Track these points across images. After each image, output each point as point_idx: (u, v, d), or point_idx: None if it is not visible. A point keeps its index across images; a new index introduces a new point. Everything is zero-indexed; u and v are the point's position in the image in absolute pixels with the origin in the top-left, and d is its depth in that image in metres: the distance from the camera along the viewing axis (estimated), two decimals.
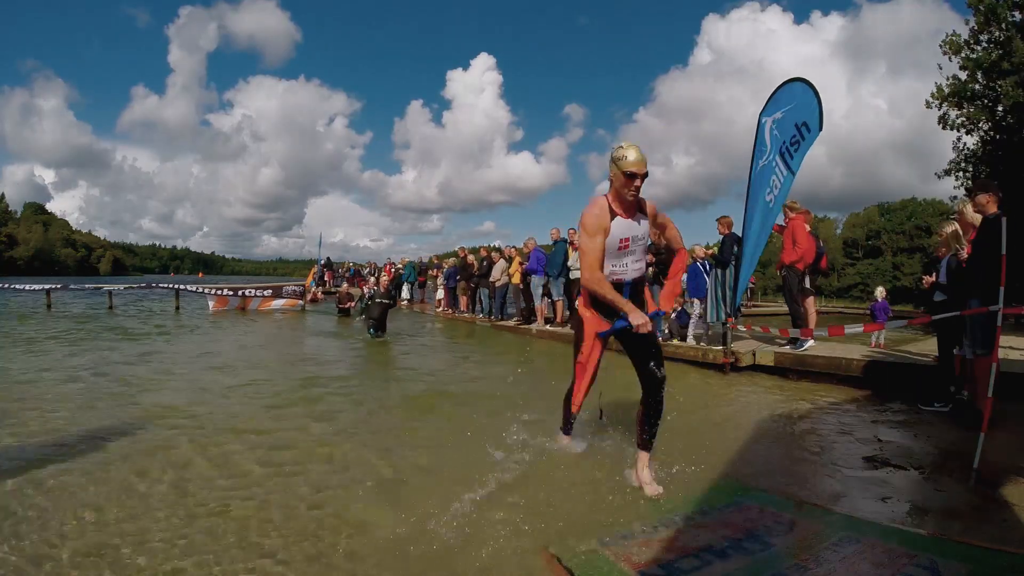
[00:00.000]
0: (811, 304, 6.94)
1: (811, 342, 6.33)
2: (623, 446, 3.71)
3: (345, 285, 14.16)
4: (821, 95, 5.76)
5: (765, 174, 5.97)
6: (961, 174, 17.84)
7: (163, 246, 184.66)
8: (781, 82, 6.01)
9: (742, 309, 9.75)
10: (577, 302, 3.15)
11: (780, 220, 6.80)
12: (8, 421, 4.00)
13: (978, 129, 16.93)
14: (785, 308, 8.51)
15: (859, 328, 5.55)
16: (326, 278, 23.78)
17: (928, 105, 17.47)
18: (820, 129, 5.90)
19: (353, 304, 13.86)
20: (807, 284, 6.78)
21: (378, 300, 9.11)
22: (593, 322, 2.97)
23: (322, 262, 24.72)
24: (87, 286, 17.93)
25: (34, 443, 3.54)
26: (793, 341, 6.40)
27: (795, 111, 5.88)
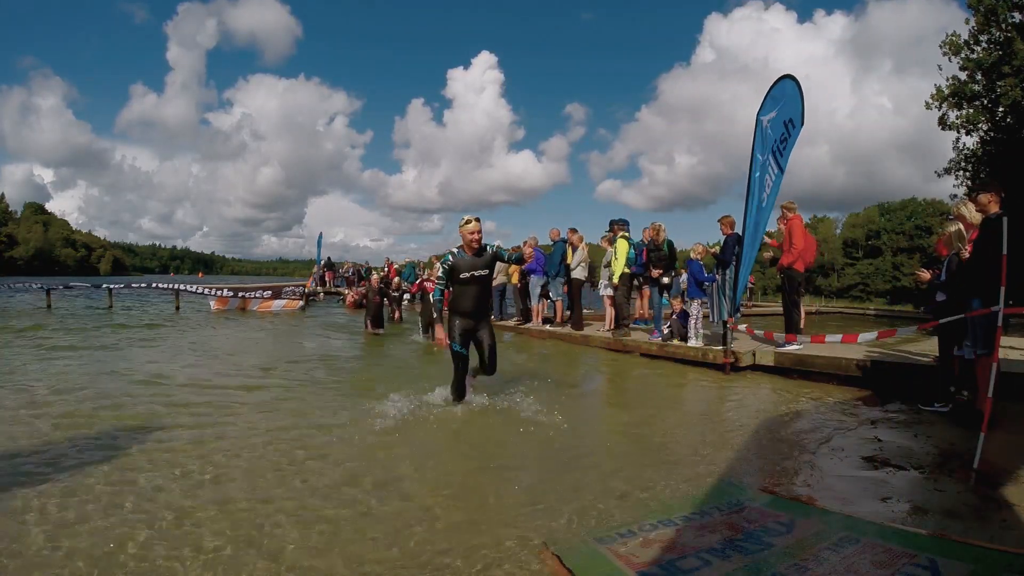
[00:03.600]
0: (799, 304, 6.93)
1: (810, 343, 6.31)
2: (622, 446, 3.71)
3: (375, 277, 11.54)
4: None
5: (761, 174, 6.00)
6: (961, 174, 17.86)
7: (163, 246, 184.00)
8: (774, 81, 6.05)
9: (742, 309, 9.74)
10: None
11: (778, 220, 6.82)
12: None
13: (977, 130, 16.94)
14: None
15: (873, 335, 5.56)
16: (327, 278, 23.77)
17: (928, 106, 17.48)
18: (802, 124, 5.99)
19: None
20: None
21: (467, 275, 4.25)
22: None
23: (322, 263, 24.71)
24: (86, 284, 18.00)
25: None
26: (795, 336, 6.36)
27: (784, 109, 5.93)
